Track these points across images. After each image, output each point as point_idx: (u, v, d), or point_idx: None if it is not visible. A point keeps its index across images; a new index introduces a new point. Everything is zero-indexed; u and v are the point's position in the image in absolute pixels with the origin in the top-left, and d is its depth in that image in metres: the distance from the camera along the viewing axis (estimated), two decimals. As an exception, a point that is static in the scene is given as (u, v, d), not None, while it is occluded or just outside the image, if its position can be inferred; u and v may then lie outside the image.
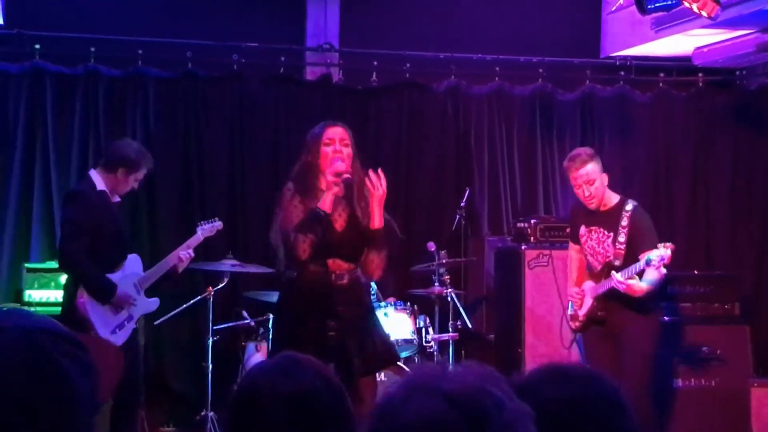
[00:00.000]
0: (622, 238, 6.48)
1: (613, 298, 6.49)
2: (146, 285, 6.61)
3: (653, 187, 9.47)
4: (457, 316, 7.72)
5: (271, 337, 6.56)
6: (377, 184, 5.45)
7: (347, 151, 5.55)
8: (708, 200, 9.53)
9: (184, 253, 6.74)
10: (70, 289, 6.36)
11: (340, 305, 5.47)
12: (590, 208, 6.63)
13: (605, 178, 6.59)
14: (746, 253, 9.41)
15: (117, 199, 6.50)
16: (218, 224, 7.14)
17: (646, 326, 6.57)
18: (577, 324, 6.82)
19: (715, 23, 7.21)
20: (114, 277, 6.36)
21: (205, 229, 7.09)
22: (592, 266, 6.73)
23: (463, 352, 8.06)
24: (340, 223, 5.58)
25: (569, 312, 6.95)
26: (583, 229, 6.73)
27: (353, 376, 5.37)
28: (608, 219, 6.58)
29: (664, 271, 6.29)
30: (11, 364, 1.54)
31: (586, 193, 6.56)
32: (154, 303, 6.73)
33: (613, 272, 6.32)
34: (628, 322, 6.50)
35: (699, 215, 9.48)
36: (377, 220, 5.51)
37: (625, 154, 9.39)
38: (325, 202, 5.42)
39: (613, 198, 6.67)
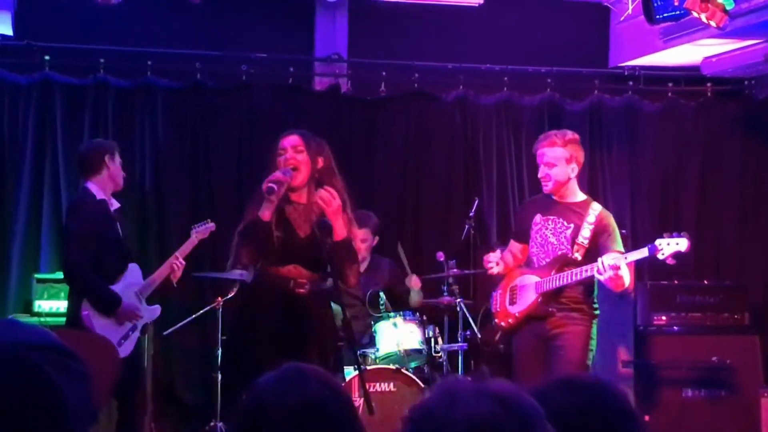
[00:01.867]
0: (586, 233, 6.12)
1: (559, 294, 6.14)
2: (147, 293, 6.65)
3: (662, 196, 9.46)
4: (467, 326, 7.70)
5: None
6: (328, 199, 5.40)
7: (301, 157, 5.52)
8: (717, 210, 9.52)
9: (175, 262, 6.79)
10: (74, 301, 6.36)
11: (297, 312, 5.48)
12: (545, 192, 6.29)
13: (574, 170, 6.23)
14: (755, 263, 9.39)
15: (116, 205, 6.53)
16: (211, 225, 7.23)
17: (584, 332, 6.13)
18: (510, 322, 6.38)
19: (723, 33, 7.21)
20: (116, 287, 6.38)
21: (199, 231, 7.17)
22: (533, 260, 6.32)
23: (472, 362, 8.04)
24: (304, 229, 5.56)
25: (493, 309, 6.57)
26: (538, 218, 6.29)
27: None
28: (570, 211, 6.23)
29: (672, 261, 5.88)
30: (0, 380, 1.53)
31: (542, 174, 6.24)
32: (155, 310, 6.76)
33: (606, 256, 5.84)
34: (567, 325, 6.13)
35: (708, 225, 9.47)
36: (339, 231, 5.45)
37: (633, 163, 9.39)
38: (264, 211, 5.40)
39: (580, 195, 6.35)
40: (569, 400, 1.99)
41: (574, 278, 6.06)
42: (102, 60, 8.42)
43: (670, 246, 5.82)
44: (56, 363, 1.57)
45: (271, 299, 5.51)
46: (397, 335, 7.38)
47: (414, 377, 7.15)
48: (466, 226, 8.42)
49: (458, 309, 7.66)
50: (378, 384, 7.04)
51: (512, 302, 6.38)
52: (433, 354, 7.56)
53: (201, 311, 7.67)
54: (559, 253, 6.19)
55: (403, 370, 7.20)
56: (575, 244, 6.14)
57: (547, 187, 6.25)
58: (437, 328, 7.68)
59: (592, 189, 9.33)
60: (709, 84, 9.51)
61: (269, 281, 5.54)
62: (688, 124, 9.56)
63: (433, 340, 7.56)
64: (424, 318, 7.63)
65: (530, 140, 9.28)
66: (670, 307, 8.19)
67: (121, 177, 6.56)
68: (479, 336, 7.70)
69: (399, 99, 9.11)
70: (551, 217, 6.26)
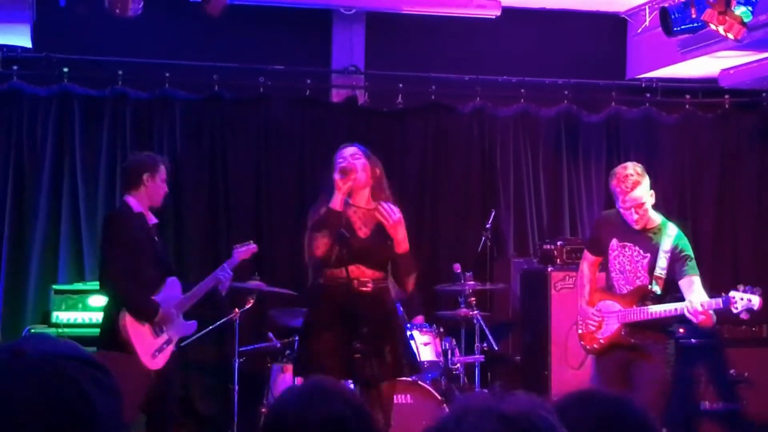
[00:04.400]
0: (662, 263, 6.00)
1: (642, 325, 6.05)
2: (185, 308, 6.61)
3: (679, 208, 9.44)
4: (483, 338, 7.69)
5: (296, 352, 6.40)
6: (387, 214, 5.48)
7: (360, 162, 5.65)
8: (734, 222, 9.50)
9: (223, 274, 6.76)
10: (111, 312, 6.32)
11: (362, 311, 5.48)
12: (634, 228, 6.09)
13: (653, 197, 6.16)
14: (774, 275, 9.35)
15: (154, 220, 6.52)
16: (253, 247, 7.10)
17: (666, 351, 6.11)
18: (595, 347, 6.25)
19: (741, 45, 7.19)
20: (155, 299, 6.36)
21: (241, 252, 7.09)
22: (615, 285, 6.21)
23: (489, 374, 8.03)
24: (364, 231, 5.65)
25: (580, 331, 6.40)
26: (614, 243, 6.18)
27: (368, 382, 5.47)
28: (647, 239, 6.06)
29: (746, 316, 5.88)
30: (35, 391, 1.53)
31: (635, 217, 6.05)
32: (192, 326, 6.72)
33: (692, 300, 5.79)
34: (650, 346, 6.07)
35: (725, 237, 9.45)
36: (401, 246, 5.56)
37: (651, 175, 9.30)
38: (336, 201, 5.48)
39: (655, 218, 6.16)
40: (588, 414, 1.99)
41: (660, 315, 6.00)
42: (120, 72, 8.47)
43: (743, 301, 5.76)
44: (88, 375, 1.59)
45: (338, 299, 5.56)
46: (413, 347, 7.36)
47: (431, 389, 7.13)
48: (483, 238, 8.43)
49: (475, 321, 7.65)
50: (394, 396, 7.02)
51: (599, 328, 6.26)
52: (450, 366, 7.55)
53: (218, 323, 7.67)
54: (638, 283, 6.10)
55: (420, 383, 7.19)
56: (653, 275, 6.04)
57: (638, 225, 6.10)
58: (454, 340, 7.67)
59: (609, 200, 9.32)
60: (726, 96, 9.50)
61: (333, 282, 5.59)
62: (705, 136, 9.55)
63: (449, 352, 7.55)
64: (441, 330, 7.62)
65: (547, 152, 9.32)
66: (687, 319, 8.13)
67: (160, 195, 6.49)
68: (496, 348, 7.70)
69: (416, 111, 9.12)
70: (628, 244, 6.14)
